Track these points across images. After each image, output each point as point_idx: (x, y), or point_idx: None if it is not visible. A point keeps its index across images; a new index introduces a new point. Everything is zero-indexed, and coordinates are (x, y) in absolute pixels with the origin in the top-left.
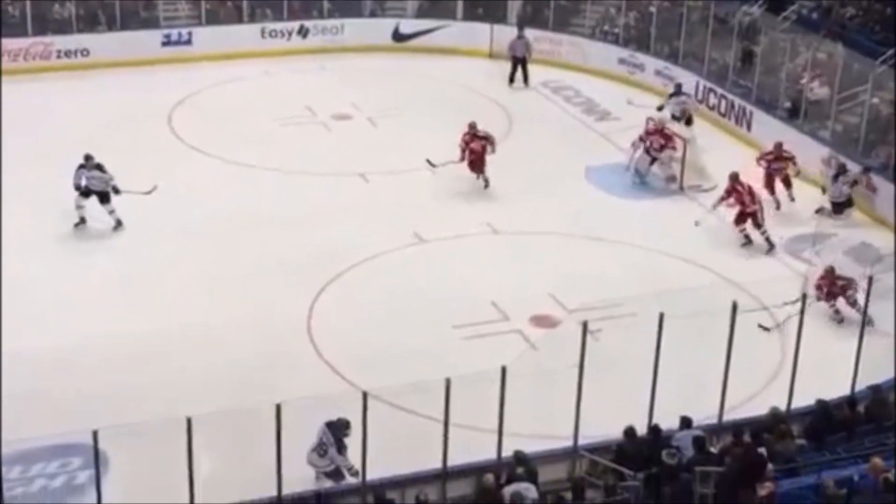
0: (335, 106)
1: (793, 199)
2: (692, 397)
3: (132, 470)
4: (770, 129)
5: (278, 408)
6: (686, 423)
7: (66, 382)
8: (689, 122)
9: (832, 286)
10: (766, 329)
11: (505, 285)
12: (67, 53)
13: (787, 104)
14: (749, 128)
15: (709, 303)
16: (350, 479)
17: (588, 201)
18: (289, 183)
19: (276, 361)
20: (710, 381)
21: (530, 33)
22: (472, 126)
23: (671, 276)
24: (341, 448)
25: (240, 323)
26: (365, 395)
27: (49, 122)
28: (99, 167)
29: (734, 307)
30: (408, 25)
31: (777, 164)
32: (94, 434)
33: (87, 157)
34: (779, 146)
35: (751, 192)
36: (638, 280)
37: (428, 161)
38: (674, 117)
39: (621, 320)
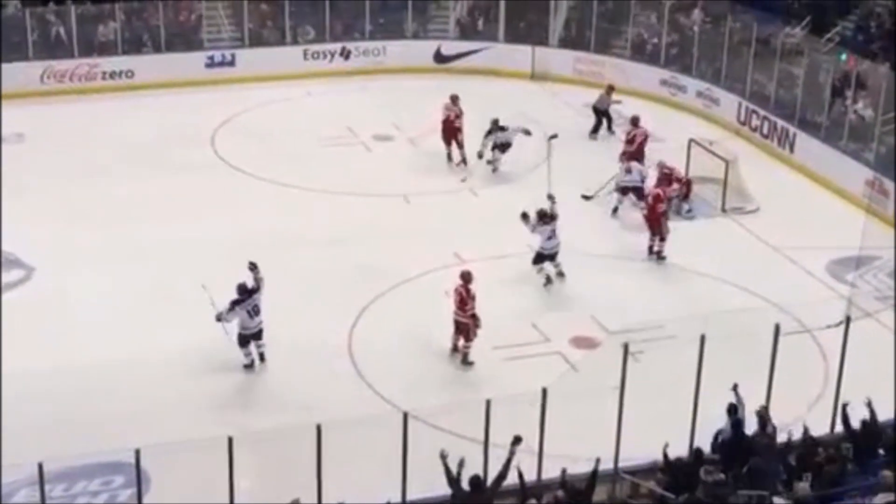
0: (376, 127)
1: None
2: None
3: (173, 488)
4: (813, 151)
5: (319, 428)
6: None
7: (108, 400)
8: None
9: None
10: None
11: (546, 306)
12: (112, 75)
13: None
14: (792, 149)
15: (751, 325)
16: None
17: (628, 223)
18: (330, 203)
19: (318, 381)
20: (752, 403)
21: (572, 55)
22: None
23: (713, 298)
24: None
25: (281, 343)
26: (405, 416)
27: (94, 143)
28: None
29: (777, 330)
30: (449, 47)
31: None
32: (137, 453)
33: None
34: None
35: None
36: (679, 302)
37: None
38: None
39: (662, 342)
